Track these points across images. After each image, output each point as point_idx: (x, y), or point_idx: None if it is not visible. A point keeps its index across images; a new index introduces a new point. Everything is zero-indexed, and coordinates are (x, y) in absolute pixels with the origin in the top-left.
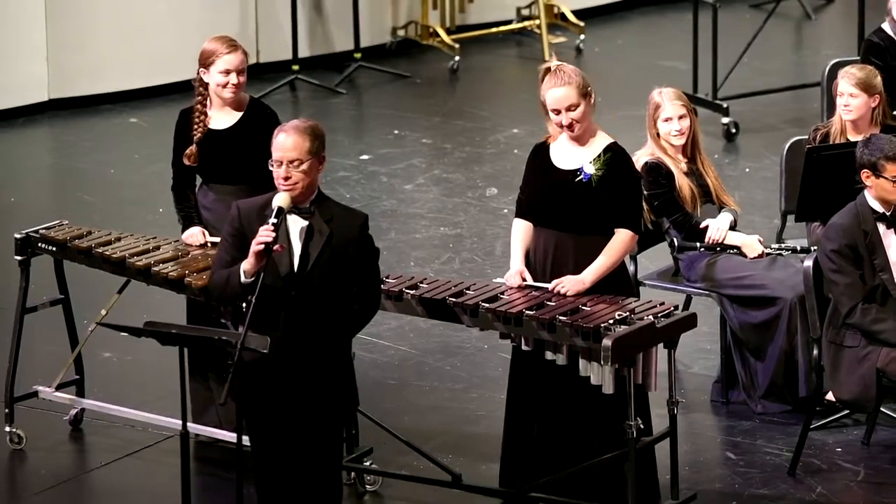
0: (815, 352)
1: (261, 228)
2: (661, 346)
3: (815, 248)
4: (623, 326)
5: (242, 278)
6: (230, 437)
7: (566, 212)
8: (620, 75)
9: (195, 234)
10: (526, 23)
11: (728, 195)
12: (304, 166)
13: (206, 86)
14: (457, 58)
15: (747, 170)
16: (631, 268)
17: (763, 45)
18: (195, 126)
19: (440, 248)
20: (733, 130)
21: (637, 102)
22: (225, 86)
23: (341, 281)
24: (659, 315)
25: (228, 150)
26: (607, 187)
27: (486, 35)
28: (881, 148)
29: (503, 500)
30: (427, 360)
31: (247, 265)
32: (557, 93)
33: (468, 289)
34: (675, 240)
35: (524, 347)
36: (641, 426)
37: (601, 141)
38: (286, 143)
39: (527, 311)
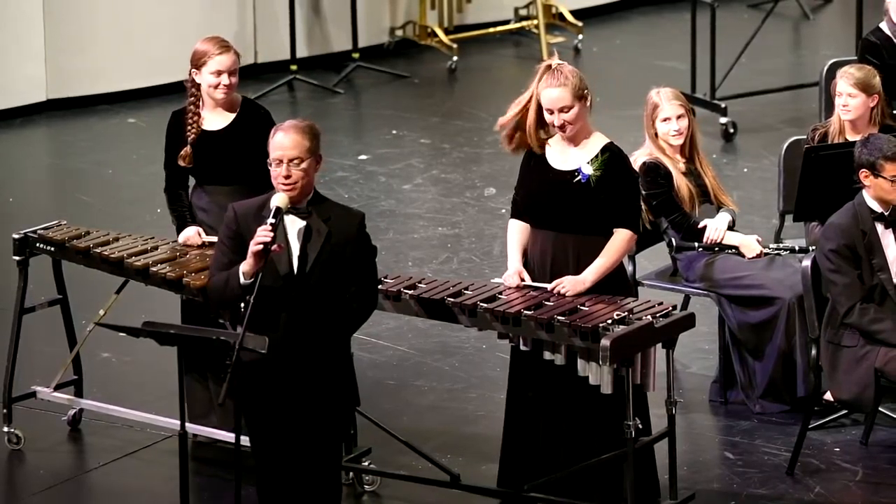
0: (814, 352)
1: (259, 229)
2: (659, 345)
3: (814, 247)
4: (621, 326)
5: (242, 279)
6: (229, 437)
7: (565, 213)
8: (619, 75)
9: (192, 235)
10: (524, 23)
11: (726, 195)
12: (303, 165)
13: (198, 86)
14: (455, 58)
15: (745, 170)
16: (629, 268)
17: (761, 45)
18: (189, 127)
19: (438, 248)
20: (731, 130)
21: (635, 102)
22: (216, 87)
23: (340, 280)
24: (657, 315)
25: (223, 151)
26: (606, 188)
27: (484, 35)
28: (880, 148)
29: (502, 500)
30: (425, 361)
31: (246, 266)
32: (551, 93)
33: (466, 289)
34: (673, 240)
35: (522, 347)
36: (640, 426)
37: (598, 141)
38: (285, 141)
39: (525, 311)
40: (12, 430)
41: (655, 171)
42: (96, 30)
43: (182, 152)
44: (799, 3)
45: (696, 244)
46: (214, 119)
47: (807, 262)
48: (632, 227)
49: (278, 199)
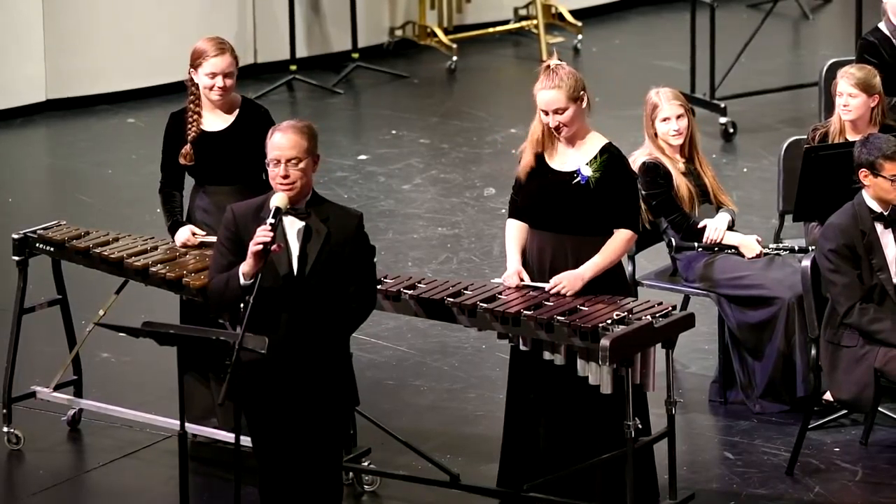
0: (813, 352)
1: (259, 229)
2: (659, 345)
3: (813, 247)
4: (621, 326)
5: (242, 280)
6: (229, 437)
7: (563, 214)
8: (618, 75)
9: (186, 237)
10: (523, 23)
11: (726, 195)
12: (302, 164)
13: (197, 85)
14: (454, 58)
15: (745, 170)
16: (629, 268)
17: (761, 45)
18: (189, 125)
19: (438, 248)
20: (731, 130)
21: (635, 102)
22: (211, 88)
23: (339, 280)
24: (657, 315)
25: (224, 152)
26: (605, 189)
27: (483, 35)
28: (879, 147)
29: (501, 500)
30: (425, 361)
31: (245, 267)
32: (545, 95)
33: (466, 289)
34: (672, 240)
35: (522, 347)
36: (640, 426)
37: (596, 142)
38: (283, 142)
39: (525, 311)
40: (12, 430)
41: (655, 171)
42: (96, 30)
43: (183, 150)
44: (798, 3)
45: (696, 244)
46: (214, 120)
47: (806, 262)
48: (632, 227)
49: (278, 200)
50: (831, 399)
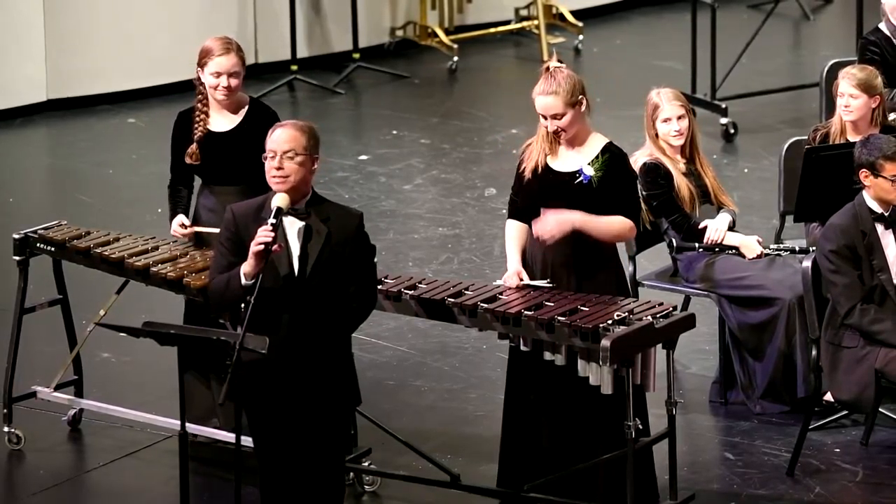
0: (814, 352)
1: (260, 229)
2: (659, 346)
3: (814, 248)
4: (622, 327)
5: (243, 280)
6: (229, 437)
7: None
8: (619, 76)
9: (176, 228)
10: (524, 23)
11: (726, 195)
12: (297, 159)
13: (204, 85)
14: (455, 58)
15: (746, 170)
16: (629, 268)
17: (761, 46)
18: (196, 124)
19: (438, 248)
20: (732, 131)
21: (635, 103)
22: (216, 88)
23: (340, 280)
24: (657, 315)
25: (230, 152)
26: (608, 187)
27: (484, 35)
28: (879, 147)
29: (501, 500)
30: (425, 361)
31: (246, 267)
32: (543, 100)
33: (467, 289)
34: (673, 240)
35: (523, 348)
36: (640, 426)
37: (597, 142)
38: (281, 135)
39: (525, 312)
40: (12, 430)
41: (655, 171)
42: (96, 30)
43: (189, 150)
44: (799, 4)
45: (697, 245)
46: (221, 120)
47: (807, 263)
48: (633, 219)
49: (279, 200)
50: (832, 400)
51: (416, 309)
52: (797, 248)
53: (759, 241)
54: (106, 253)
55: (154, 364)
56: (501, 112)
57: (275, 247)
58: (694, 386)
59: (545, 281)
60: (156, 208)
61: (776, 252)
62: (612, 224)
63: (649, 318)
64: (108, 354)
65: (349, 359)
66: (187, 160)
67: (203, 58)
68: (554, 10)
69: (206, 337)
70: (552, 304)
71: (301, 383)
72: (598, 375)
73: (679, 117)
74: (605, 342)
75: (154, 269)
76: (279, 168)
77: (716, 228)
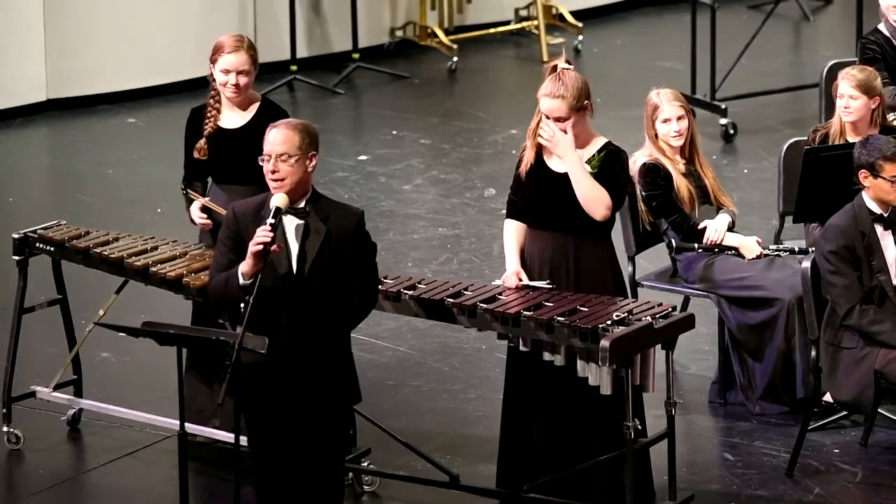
0: (813, 353)
1: (259, 229)
2: (658, 346)
3: (813, 249)
4: (621, 327)
5: (241, 280)
6: (229, 437)
7: (564, 213)
8: (619, 76)
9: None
10: (524, 23)
11: (726, 196)
12: (291, 161)
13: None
14: (455, 58)
15: (745, 171)
16: (629, 269)
17: (761, 46)
18: (207, 120)
19: (438, 248)
20: (731, 131)
21: (635, 103)
22: (225, 85)
23: (339, 279)
24: (657, 316)
25: (239, 150)
26: (602, 181)
27: (484, 36)
28: (879, 148)
29: (500, 500)
30: (425, 361)
31: (245, 267)
32: (549, 103)
33: (466, 289)
34: (673, 241)
35: (522, 348)
36: (639, 427)
37: (597, 143)
38: (276, 137)
39: (524, 312)
40: (12, 429)
41: (655, 172)
42: (96, 30)
43: (197, 144)
44: (799, 5)
45: (696, 245)
46: (232, 117)
47: (806, 264)
48: (614, 203)
49: (278, 200)
50: (831, 400)
51: (416, 309)
52: (797, 249)
53: (758, 242)
54: (105, 253)
55: (154, 364)
56: (501, 112)
57: (273, 247)
58: (693, 386)
59: (544, 281)
60: (155, 208)
61: (776, 252)
62: (596, 187)
63: (649, 318)
64: (108, 354)
65: (349, 357)
66: (196, 154)
67: (214, 54)
68: (554, 11)
69: (206, 337)
70: (551, 305)
71: (301, 383)
72: (597, 376)
73: (679, 118)
74: (605, 342)
75: (154, 268)
76: (274, 171)
77: (715, 229)
